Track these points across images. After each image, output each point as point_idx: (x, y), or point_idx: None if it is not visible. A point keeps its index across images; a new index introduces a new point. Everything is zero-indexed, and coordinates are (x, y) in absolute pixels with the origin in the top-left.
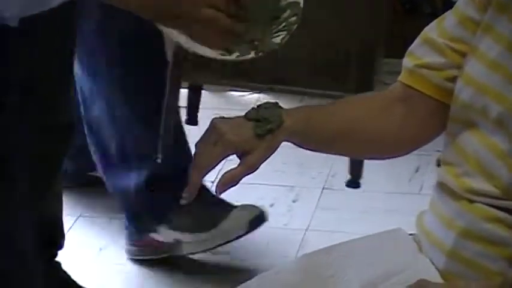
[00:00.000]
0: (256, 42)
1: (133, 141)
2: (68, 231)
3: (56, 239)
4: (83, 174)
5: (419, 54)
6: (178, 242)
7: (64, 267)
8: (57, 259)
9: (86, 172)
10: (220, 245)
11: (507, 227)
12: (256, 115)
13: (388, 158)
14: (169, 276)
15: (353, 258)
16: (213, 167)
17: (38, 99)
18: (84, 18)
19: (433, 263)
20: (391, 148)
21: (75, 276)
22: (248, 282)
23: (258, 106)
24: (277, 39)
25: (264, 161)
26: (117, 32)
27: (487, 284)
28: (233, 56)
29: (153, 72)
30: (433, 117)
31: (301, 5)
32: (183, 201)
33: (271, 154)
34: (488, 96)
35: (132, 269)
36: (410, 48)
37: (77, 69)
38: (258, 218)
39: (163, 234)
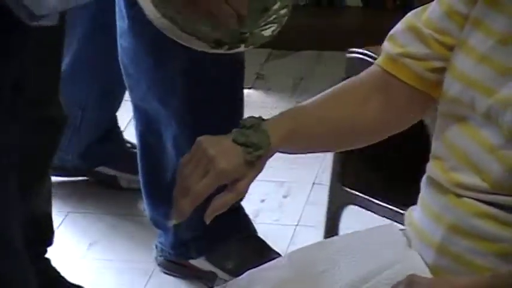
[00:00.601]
0: (246, 35)
1: None
2: (58, 227)
3: (45, 236)
4: (89, 169)
5: (403, 41)
6: (213, 274)
7: (53, 263)
8: (46, 256)
9: (92, 168)
10: None
11: (495, 222)
12: (245, 140)
13: (367, 144)
14: (159, 270)
15: (344, 253)
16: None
17: (29, 94)
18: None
19: (422, 258)
20: (370, 137)
21: (64, 272)
22: (238, 278)
23: (243, 125)
24: (268, 32)
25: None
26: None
27: (477, 279)
28: (223, 49)
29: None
30: (412, 106)
31: (291, 7)
32: (170, 223)
33: (258, 174)
34: (477, 89)
35: (122, 265)
36: (392, 32)
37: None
38: None
39: (202, 264)
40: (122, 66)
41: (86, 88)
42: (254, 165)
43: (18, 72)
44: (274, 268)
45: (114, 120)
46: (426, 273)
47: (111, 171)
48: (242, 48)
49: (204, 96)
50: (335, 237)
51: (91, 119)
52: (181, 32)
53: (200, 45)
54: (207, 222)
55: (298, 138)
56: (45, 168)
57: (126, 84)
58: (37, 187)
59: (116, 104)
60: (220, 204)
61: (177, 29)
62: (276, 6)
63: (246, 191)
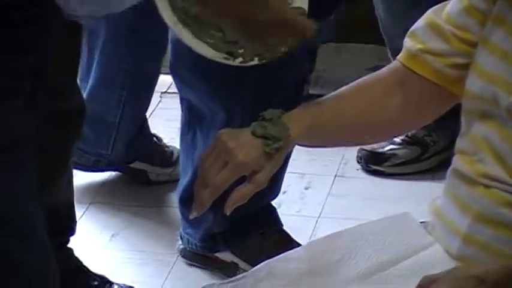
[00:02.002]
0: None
1: None
2: (80, 218)
3: (67, 226)
4: (123, 164)
5: (424, 38)
6: (235, 265)
7: (77, 253)
8: (68, 246)
9: (128, 163)
10: None
11: None
12: (264, 132)
13: (385, 140)
14: (180, 261)
15: (361, 242)
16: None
17: (48, 86)
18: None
19: (447, 248)
20: (389, 133)
21: (86, 263)
22: (256, 269)
23: (263, 118)
24: (282, 47)
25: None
26: None
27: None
28: (236, 62)
29: None
30: (432, 101)
31: (306, 10)
32: (191, 216)
33: (278, 167)
34: (499, 86)
35: (143, 256)
36: (413, 29)
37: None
38: None
39: (226, 256)
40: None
41: (121, 87)
42: (273, 157)
43: (38, 63)
44: (291, 260)
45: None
46: (446, 262)
47: (141, 165)
48: (256, 61)
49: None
50: (350, 227)
51: (129, 116)
52: (194, 39)
53: (213, 54)
54: (227, 213)
55: (317, 132)
56: (64, 160)
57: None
58: (57, 178)
59: (149, 99)
60: (239, 196)
61: (191, 37)
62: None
63: (265, 183)
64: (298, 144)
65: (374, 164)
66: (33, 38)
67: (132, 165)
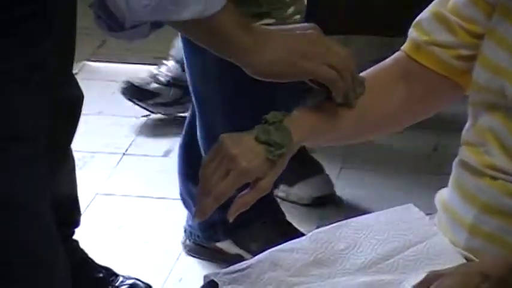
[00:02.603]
0: None
1: None
2: (86, 209)
3: (71, 218)
4: None
5: (429, 29)
6: (240, 257)
7: (82, 245)
8: (74, 237)
9: None
10: None
11: None
12: (267, 138)
13: (390, 132)
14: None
15: (366, 233)
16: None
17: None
18: None
19: (453, 240)
20: (394, 125)
21: (92, 254)
22: (260, 258)
23: (266, 121)
24: None
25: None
26: None
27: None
28: None
29: None
30: (438, 93)
31: (305, 3)
32: (193, 222)
33: (280, 172)
34: (505, 78)
35: (150, 247)
36: (418, 19)
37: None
38: None
39: (229, 247)
40: None
41: None
42: (276, 163)
43: (42, 53)
44: (296, 250)
45: None
46: (451, 251)
47: None
48: None
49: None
50: (354, 218)
51: None
52: None
53: None
54: (231, 220)
55: (320, 132)
56: (65, 151)
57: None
58: (58, 170)
59: None
60: (242, 203)
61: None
62: (290, 11)
63: (268, 189)
64: None
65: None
66: (38, 30)
67: None
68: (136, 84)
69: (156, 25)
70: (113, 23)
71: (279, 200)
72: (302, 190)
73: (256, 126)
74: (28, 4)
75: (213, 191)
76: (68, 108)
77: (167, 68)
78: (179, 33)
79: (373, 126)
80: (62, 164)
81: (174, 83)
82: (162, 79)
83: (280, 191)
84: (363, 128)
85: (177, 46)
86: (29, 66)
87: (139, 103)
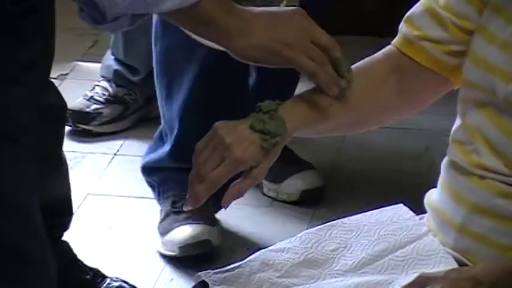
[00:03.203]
0: None
1: None
2: (77, 209)
3: (63, 220)
4: None
5: (420, 24)
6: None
7: (73, 245)
8: (64, 239)
9: None
10: None
11: None
12: (262, 127)
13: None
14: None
15: (356, 233)
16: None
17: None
18: None
19: (443, 240)
20: (385, 118)
21: (82, 255)
22: (250, 258)
23: (260, 109)
24: None
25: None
26: None
27: (490, 265)
28: None
29: None
30: (428, 88)
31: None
32: (185, 208)
33: (274, 161)
34: (496, 75)
35: (141, 247)
36: (410, 14)
37: None
38: None
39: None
40: None
41: None
42: (270, 152)
43: (34, 55)
44: (286, 250)
45: None
46: (440, 252)
47: None
48: None
49: None
50: (345, 219)
51: None
52: None
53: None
54: (225, 209)
55: (314, 122)
56: (54, 158)
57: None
58: (50, 173)
59: None
60: (237, 191)
61: None
62: (283, 5)
63: (262, 178)
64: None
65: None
66: (30, 30)
67: None
68: (77, 109)
69: (138, 16)
70: (97, 15)
71: (269, 200)
72: (291, 185)
73: (250, 114)
74: (19, 3)
75: (207, 179)
76: (50, 116)
77: (101, 88)
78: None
79: (364, 119)
80: (54, 168)
81: (113, 100)
82: (99, 99)
83: (271, 191)
84: (354, 121)
85: (104, 65)
86: (20, 66)
87: (85, 127)
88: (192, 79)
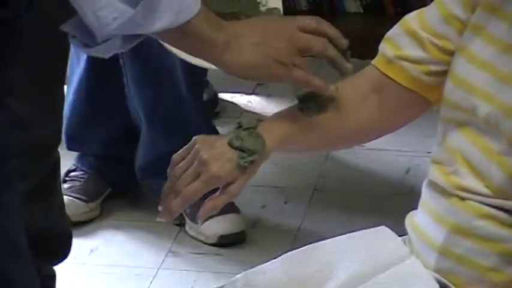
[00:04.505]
0: None
1: None
2: None
3: (52, 252)
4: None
5: (400, 44)
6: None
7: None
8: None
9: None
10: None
11: (498, 223)
12: (240, 144)
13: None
14: (158, 277)
15: (339, 255)
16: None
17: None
18: None
19: (424, 262)
20: (365, 137)
21: (65, 279)
22: (233, 279)
23: (240, 126)
24: None
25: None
26: None
27: None
28: None
29: None
30: (408, 108)
31: (281, 11)
32: (158, 220)
33: (251, 178)
34: (477, 96)
35: (123, 270)
36: (389, 34)
37: None
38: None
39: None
40: None
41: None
42: (246, 169)
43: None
44: (269, 271)
45: None
46: (424, 274)
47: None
48: None
49: None
50: (327, 240)
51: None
52: None
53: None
54: (201, 224)
55: (292, 141)
56: (52, 180)
57: None
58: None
59: None
60: (212, 206)
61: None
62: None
63: (237, 194)
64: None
65: None
66: (11, 51)
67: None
68: None
69: (131, 38)
70: (87, 39)
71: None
72: (210, 228)
73: (230, 130)
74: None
75: (181, 194)
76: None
77: None
78: None
79: (343, 137)
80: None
81: None
82: None
83: (192, 229)
84: (333, 139)
85: None
86: (1, 90)
87: None
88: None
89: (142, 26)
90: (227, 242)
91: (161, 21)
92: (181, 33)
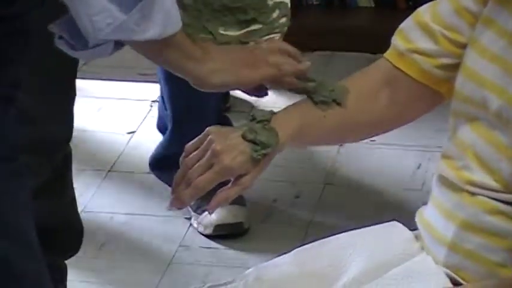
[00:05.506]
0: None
1: None
2: None
3: (63, 246)
4: None
5: (412, 37)
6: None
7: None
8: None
9: None
10: None
11: (509, 218)
12: (253, 137)
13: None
14: (169, 271)
15: (350, 250)
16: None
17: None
18: None
19: (434, 257)
20: (377, 131)
21: (76, 273)
22: (245, 273)
23: (253, 118)
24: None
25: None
26: None
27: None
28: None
29: None
30: (419, 101)
31: (289, 5)
32: (168, 209)
33: (263, 171)
34: (488, 89)
35: (133, 265)
36: (401, 27)
37: None
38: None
39: None
40: None
41: None
42: (259, 162)
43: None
44: (281, 265)
45: None
46: (434, 269)
47: None
48: None
49: None
50: (339, 235)
51: None
52: None
53: None
54: (211, 214)
55: (305, 134)
56: (57, 179)
57: None
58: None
59: None
60: (223, 198)
61: None
62: (275, 15)
63: (250, 186)
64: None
65: None
66: (19, 49)
67: None
68: None
69: (119, 44)
70: (77, 42)
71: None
72: (207, 218)
73: (243, 123)
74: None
75: (193, 184)
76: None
77: None
78: None
79: (356, 131)
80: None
81: None
82: None
83: (194, 221)
84: (346, 133)
85: None
86: (9, 85)
87: None
88: None
89: (136, 32)
90: (223, 233)
91: (150, 32)
92: (163, 44)
